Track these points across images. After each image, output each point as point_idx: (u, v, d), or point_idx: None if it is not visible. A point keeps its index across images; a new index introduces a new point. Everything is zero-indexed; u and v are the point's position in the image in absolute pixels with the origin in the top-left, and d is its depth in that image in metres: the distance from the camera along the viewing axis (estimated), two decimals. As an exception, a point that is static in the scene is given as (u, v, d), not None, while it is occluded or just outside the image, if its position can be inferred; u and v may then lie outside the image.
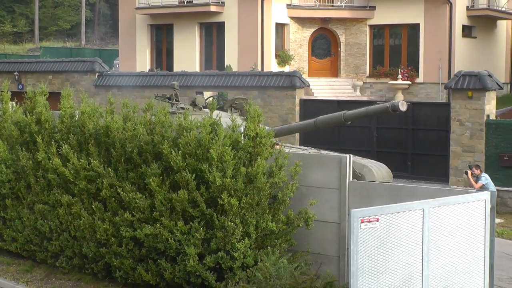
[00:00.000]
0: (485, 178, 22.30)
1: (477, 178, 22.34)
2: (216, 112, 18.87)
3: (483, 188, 21.40)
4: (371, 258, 11.27)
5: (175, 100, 21.47)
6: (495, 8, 42.02)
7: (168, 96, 21.41)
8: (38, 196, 16.64)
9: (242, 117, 20.01)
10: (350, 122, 19.28)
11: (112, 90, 30.88)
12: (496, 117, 24.58)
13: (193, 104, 20.54)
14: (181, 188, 14.11)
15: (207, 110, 19.59)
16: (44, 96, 17.74)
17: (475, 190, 21.90)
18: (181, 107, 20.35)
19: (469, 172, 22.39)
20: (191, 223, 13.95)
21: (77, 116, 16.47)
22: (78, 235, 15.64)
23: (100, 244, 15.23)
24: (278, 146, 18.70)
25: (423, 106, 28.04)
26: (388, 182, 18.97)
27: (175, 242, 14.00)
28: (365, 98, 37.44)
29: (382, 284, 11.46)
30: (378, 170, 19.13)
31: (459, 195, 12.96)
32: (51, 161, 15.94)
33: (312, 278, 12.40)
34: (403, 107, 15.27)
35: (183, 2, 40.03)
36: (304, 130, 21.35)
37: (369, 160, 20.04)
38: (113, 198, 14.99)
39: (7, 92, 19.28)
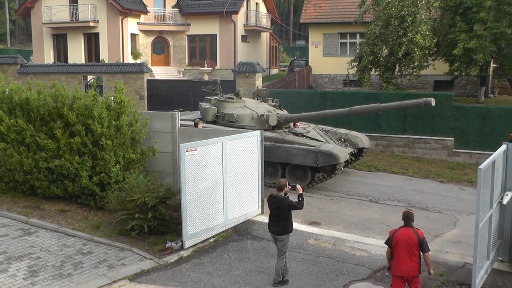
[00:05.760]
0: None
1: None
2: (248, 100, 18.20)
3: None
4: (192, 172, 11.29)
5: (219, 91, 18.76)
6: (259, 25, 42.67)
7: (214, 88, 18.81)
8: (-16, 144, 15.45)
9: (269, 103, 18.49)
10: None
11: (29, 75, 28.94)
12: (262, 87, 25.05)
13: (237, 94, 18.00)
14: (76, 135, 13.59)
15: (245, 98, 18.14)
16: (-17, 79, 16.41)
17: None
18: (228, 97, 17.85)
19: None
20: (83, 157, 13.50)
21: (7, 92, 15.42)
22: (12, 168, 14.73)
23: (26, 173, 14.45)
24: (299, 124, 17.80)
25: (223, 82, 27.95)
26: (367, 148, 18.38)
27: (74, 169, 13.50)
28: (185, 78, 37.06)
29: (200, 188, 11.53)
30: (364, 138, 17.91)
31: (243, 133, 13.21)
32: (-9, 122, 14.86)
33: (158, 186, 12.27)
34: (433, 103, 12.92)
35: (73, 20, 37.92)
36: (337, 116, 19.00)
37: (357, 132, 18.33)
38: (34, 144, 14.22)
39: None
